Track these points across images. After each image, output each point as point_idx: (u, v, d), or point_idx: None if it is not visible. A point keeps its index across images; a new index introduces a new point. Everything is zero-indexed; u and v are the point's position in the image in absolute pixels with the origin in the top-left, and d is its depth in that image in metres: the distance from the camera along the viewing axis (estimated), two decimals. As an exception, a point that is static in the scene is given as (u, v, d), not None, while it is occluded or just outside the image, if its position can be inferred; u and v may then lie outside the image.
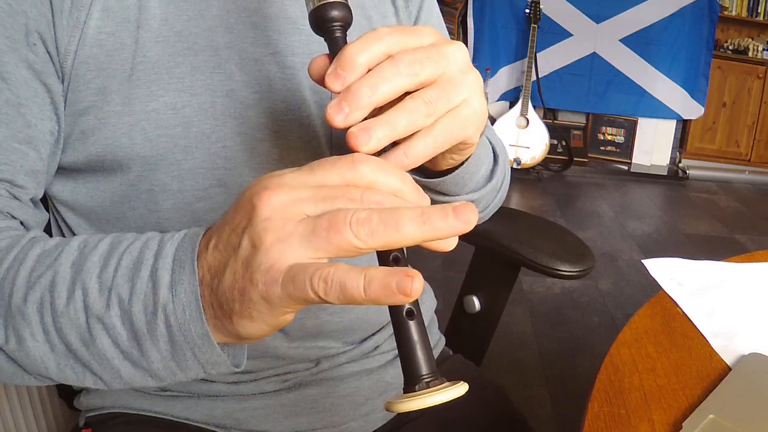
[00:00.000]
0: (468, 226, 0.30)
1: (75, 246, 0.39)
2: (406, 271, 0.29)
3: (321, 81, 0.38)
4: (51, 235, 0.58)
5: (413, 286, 0.29)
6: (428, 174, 0.52)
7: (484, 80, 4.09)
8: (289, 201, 0.31)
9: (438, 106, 0.37)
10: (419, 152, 0.37)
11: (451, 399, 0.32)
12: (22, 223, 0.49)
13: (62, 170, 0.53)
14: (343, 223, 0.30)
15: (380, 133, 0.35)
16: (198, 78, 0.51)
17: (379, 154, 0.36)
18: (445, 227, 0.30)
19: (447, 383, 0.33)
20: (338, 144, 0.59)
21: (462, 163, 0.50)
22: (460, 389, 0.32)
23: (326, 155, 0.57)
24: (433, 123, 0.37)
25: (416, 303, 0.34)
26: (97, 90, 0.49)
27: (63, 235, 0.58)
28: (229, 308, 0.33)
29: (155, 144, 0.50)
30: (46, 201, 0.57)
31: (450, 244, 0.34)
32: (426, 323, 0.64)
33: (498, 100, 4.34)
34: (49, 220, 0.58)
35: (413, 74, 0.36)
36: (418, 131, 0.37)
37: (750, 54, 4.41)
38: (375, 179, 0.33)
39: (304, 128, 0.56)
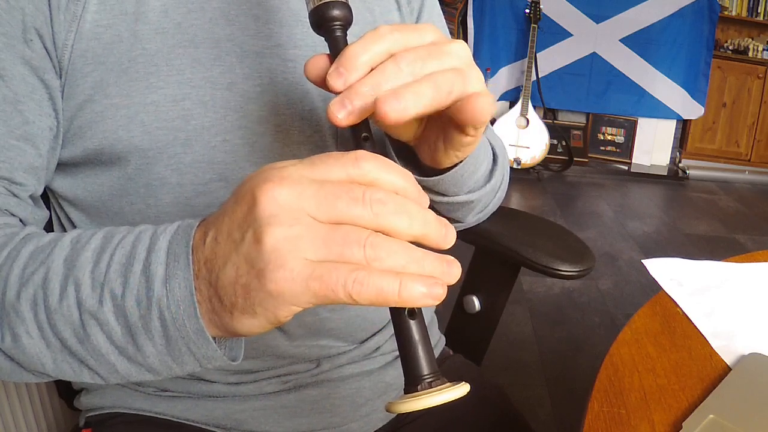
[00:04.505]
0: (452, 279, 0.33)
1: (68, 241, 0.39)
2: (435, 278, 0.31)
3: (318, 81, 0.38)
4: (54, 231, 0.58)
5: (443, 292, 0.31)
6: (427, 173, 0.52)
7: (485, 80, 4.08)
8: (292, 196, 0.31)
9: (455, 85, 0.36)
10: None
11: (453, 399, 0.32)
12: (21, 220, 0.49)
13: (61, 165, 0.53)
14: (358, 245, 0.30)
15: (410, 103, 0.34)
16: (198, 70, 0.51)
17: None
18: (440, 274, 0.32)
19: (449, 383, 0.33)
20: (344, 138, 0.58)
21: (459, 162, 0.50)
22: (462, 389, 0.32)
23: (330, 149, 0.57)
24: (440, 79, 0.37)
25: None
26: (94, 83, 0.48)
27: (65, 231, 0.58)
28: (231, 303, 0.33)
29: (154, 136, 0.50)
30: (48, 197, 0.57)
31: (448, 241, 0.34)
32: (426, 323, 0.64)
33: (498, 100, 4.34)
34: (51, 216, 0.58)
35: (415, 73, 0.36)
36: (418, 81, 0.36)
37: (750, 54, 4.41)
38: (378, 177, 0.33)
39: (307, 122, 0.56)
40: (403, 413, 0.32)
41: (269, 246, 0.30)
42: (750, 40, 4.48)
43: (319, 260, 0.31)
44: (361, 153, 0.33)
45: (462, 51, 0.38)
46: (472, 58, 0.39)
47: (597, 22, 4.23)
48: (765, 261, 0.72)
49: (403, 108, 0.34)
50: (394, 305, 0.31)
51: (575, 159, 4.25)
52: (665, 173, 4.45)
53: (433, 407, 0.32)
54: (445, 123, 0.43)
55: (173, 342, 0.36)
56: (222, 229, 0.33)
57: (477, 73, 0.38)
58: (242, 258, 0.32)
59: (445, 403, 0.32)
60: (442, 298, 0.32)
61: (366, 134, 0.38)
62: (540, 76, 4.19)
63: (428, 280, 0.31)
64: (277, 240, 0.30)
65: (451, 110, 0.38)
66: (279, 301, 0.31)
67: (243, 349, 0.40)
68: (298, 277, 0.30)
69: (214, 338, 0.36)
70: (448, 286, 0.33)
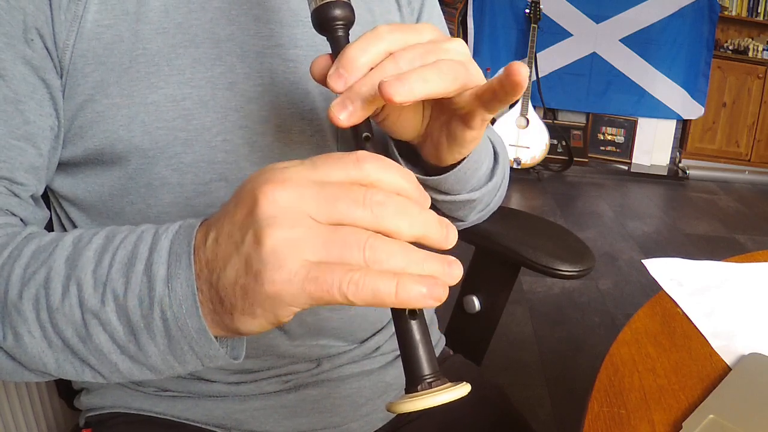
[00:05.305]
0: (453, 280, 0.32)
1: (69, 241, 0.39)
2: (435, 278, 0.31)
3: (323, 81, 0.38)
4: (54, 231, 0.58)
5: (444, 293, 0.31)
6: (429, 172, 0.52)
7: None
8: (292, 198, 0.31)
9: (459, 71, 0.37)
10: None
11: (453, 399, 0.32)
12: (22, 220, 0.49)
13: (62, 165, 0.53)
14: (358, 248, 0.30)
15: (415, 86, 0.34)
16: (199, 70, 0.51)
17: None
18: (442, 274, 0.32)
19: (449, 383, 0.33)
20: (345, 138, 0.58)
21: (462, 160, 0.50)
22: (463, 389, 0.32)
23: (331, 149, 0.58)
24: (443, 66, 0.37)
25: None
26: (95, 83, 0.49)
27: (65, 231, 0.58)
28: (231, 304, 0.33)
29: (154, 136, 0.50)
30: (48, 197, 0.57)
31: (450, 241, 0.34)
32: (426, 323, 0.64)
33: (498, 100, 4.33)
34: (52, 216, 0.58)
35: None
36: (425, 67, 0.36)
37: (750, 54, 4.41)
38: (379, 178, 0.33)
39: (307, 122, 0.56)
40: (404, 413, 0.32)
41: (269, 248, 0.30)
42: (750, 40, 4.48)
43: (318, 261, 0.31)
44: (362, 154, 0.33)
45: (460, 48, 0.38)
46: (470, 55, 0.39)
47: (597, 22, 4.23)
48: (765, 261, 0.72)
49: (408, 90, 0.34)
50: (392, 306, 0.31)
51: (575, 159, 4.25)
52: (665, 173, 4.45)
53: (434, 407, 0.32)
54: (448, 118, 0.43)
55: (175, 341, 0.36)
56: (223, 231, 0.33)
57: (475, 69, 0.39)
58: (242, 259, 0.32)
59: (445, 404, 0.32)
60: (444, 299, 0.31)
61: (367, 134, 0.39)
62: (540, 76, 4.19)
63: (428, 280, 0.31)
64: (277, 241, 0.30)
65: (481, 92, 0.38)
66: (277, 303, 0.31)
67: (245, 347, 0.40)
68: (295, 279, 0.30)
69: (216, 337, 0.36)
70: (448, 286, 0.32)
